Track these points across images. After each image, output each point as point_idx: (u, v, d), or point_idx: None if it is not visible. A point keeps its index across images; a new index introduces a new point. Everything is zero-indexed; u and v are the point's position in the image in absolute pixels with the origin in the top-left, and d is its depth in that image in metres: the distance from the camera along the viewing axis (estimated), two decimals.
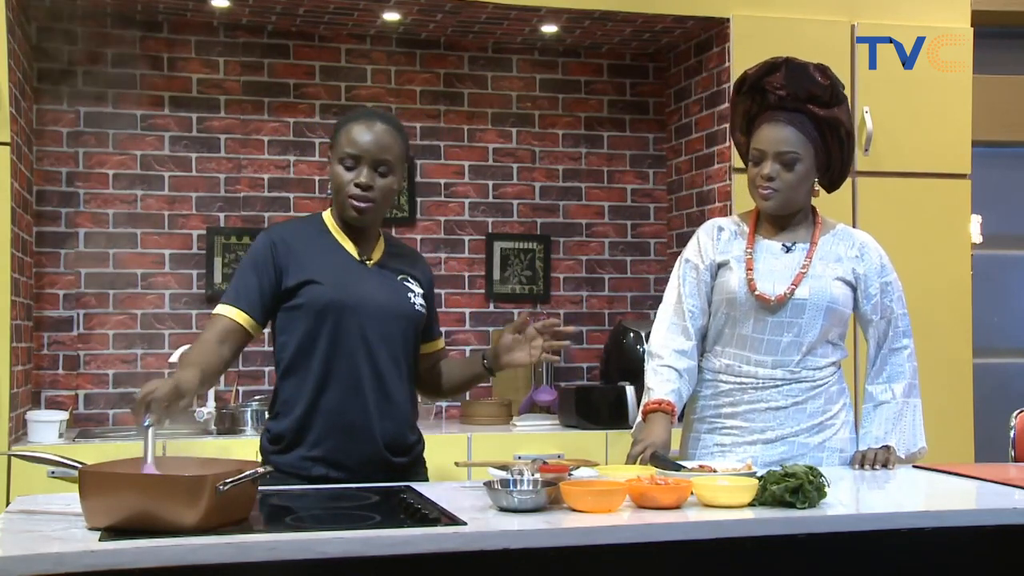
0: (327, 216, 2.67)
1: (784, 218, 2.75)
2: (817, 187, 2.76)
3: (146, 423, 2.13)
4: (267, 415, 2.70)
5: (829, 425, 2.71)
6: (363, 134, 2.56)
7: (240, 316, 2.52)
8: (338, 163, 2.57)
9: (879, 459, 2.67)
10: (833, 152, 2.71)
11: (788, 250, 2.73)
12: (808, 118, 2.67)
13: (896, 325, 2.77)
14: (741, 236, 2.77)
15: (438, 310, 2.89)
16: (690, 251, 2.82)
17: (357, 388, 2.53)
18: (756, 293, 2.67)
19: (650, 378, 2.75)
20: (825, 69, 2.71)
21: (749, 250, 2.73)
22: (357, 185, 2.54)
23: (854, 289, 2.74)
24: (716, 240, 2.79)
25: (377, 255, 2.65)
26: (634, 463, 2.53)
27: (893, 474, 2.63)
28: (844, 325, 2.76)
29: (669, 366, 2.72)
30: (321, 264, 2.57)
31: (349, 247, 2.62)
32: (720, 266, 2.76)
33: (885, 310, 2.76)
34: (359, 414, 2.53)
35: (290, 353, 2.56)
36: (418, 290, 2.67)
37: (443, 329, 4.71)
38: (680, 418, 2.80)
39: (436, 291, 2.82)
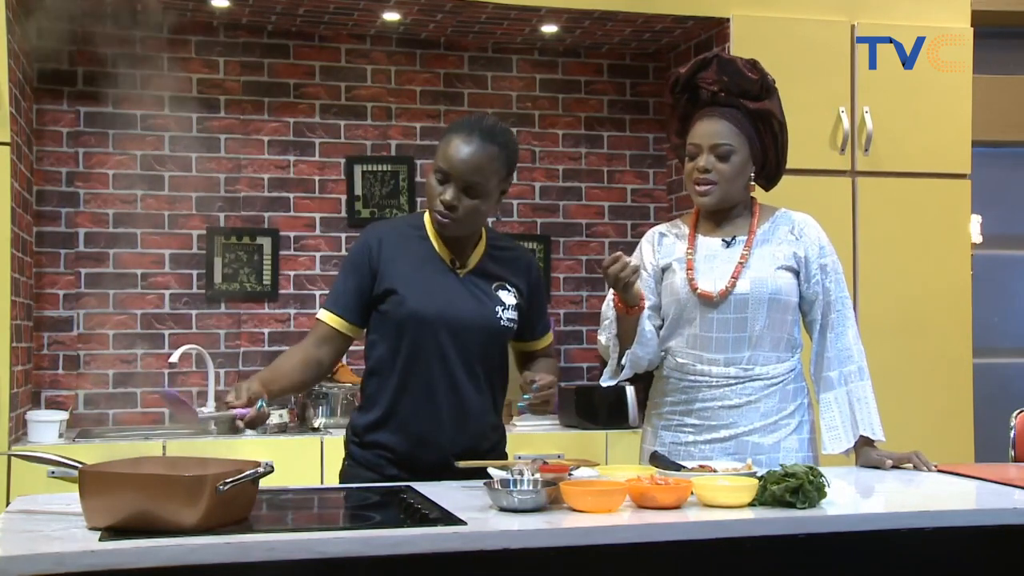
0: (427, 217, 2.63)
1: (722, 214, 2.76)
2: (754, 184, 2.76)
3: (260, 405, 2.34)
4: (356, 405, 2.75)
5: (784, 425, 2.69)
6: (459, 150, 2.48)
7: (335, 321, 2.58)
8: (432, 173, 2.53)
9: (924, 462, 2.67)
10: (767, 144, 2.72)
11: (728, 245, 2.74)
12: (741, 112, 2.69)
13: (837, 307, 2.74)
14: (682, 239, 2.78)
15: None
16: (633, 261, 2.83)
17: (431, 398, 2.53)
18: (698, 291, 2.68)
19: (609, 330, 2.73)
20: (754, 63, 2.73)
21: (690, 251, 2.74)
22: (443, 202, 2.50)
23: (797, 274, 2.73)
24: (658, 246, 2.81)
25: (474, 261, 2.61)
26: (621, 267, 2.50)
27: (893, 474, 2.63)
28: (794, 313, 2.74)
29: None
30: (409, 273, 2.55)
31: (443, 253, 2.59)
32: (664, 270, 2.77)
33: (825, 292, 2.74)
34: (431, 424, 2.54)
35: (376, 354, 2.59)
36: (512, 300, 2.61)
37: None
38: (642, 406, 2.89)
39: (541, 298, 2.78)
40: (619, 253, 2.52)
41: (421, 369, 2.53)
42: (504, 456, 2.69)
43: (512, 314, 2.61)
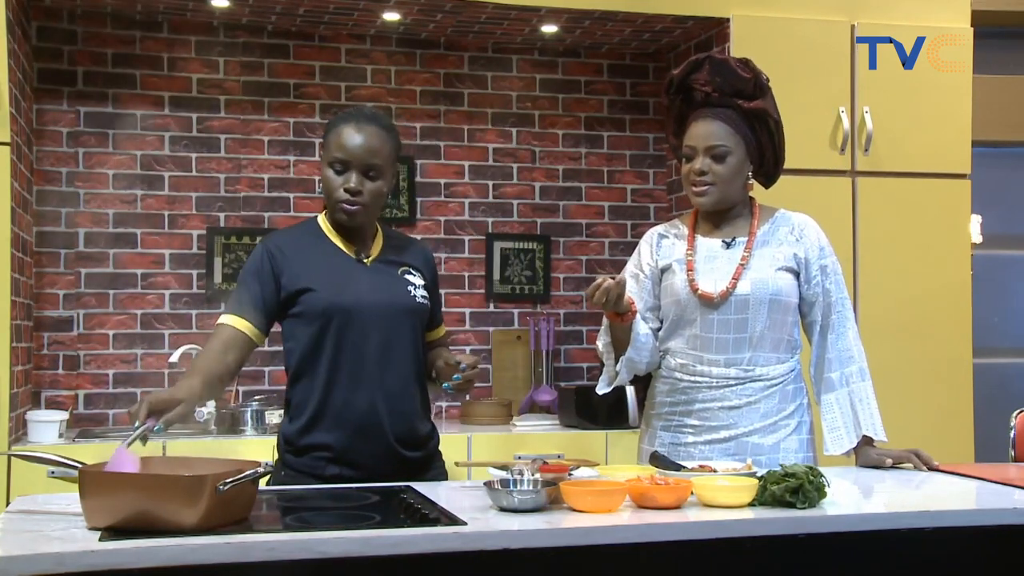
0: (322, 219, 2.69)
1: (721, 215, 2.76)
2: (753, 182, 2.76)
3: (156, 428, 2.20)
4: (282, 418, 2.75)
5: (783, 425, 2.69)
6: (352, 138, 2.56)
7: (242, 324, 2.55)
8: (328, 167, 2.58)
9: (925, 460, 2.68)
10: (764, 143, 2.73)
11: (728, 246, 2.74)
12: (736, 112, 2.69)
13: (837, 308, 2.75)
14: (681, 239, 2.79)
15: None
16: (631, 264, 2.85)
17: (363, 386, 2.56)
18: (698, 292, 2.68)
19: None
20: (747, 62, 2.73)
21: (689, 252, 2.75)
22: (347, 190, 2.55)
23: (797, 275, 2.73)
24: (657, 247, 2.82)
25: (375, 251, 2.67)
26: (603, 294, 2.54)
27: (893, 474, 2.63)
28: (794, 314, 2.74)
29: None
30: (317, 270, 2.59)
31: (345, 247, 2.64)
32: (663, 271, 2.78)
33: (826, 293, 2.74)
34: (367, 411, 2.56)
35: (296, 359, 2.60)
36: (419, 281, 2.68)
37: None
38: (642, 406, 2.89)
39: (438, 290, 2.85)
40: (598, 281, 2.55)
41: (347, 359, 2.56)
42: (436, 442, 2.71)
43: (424, 293, 2.68)
